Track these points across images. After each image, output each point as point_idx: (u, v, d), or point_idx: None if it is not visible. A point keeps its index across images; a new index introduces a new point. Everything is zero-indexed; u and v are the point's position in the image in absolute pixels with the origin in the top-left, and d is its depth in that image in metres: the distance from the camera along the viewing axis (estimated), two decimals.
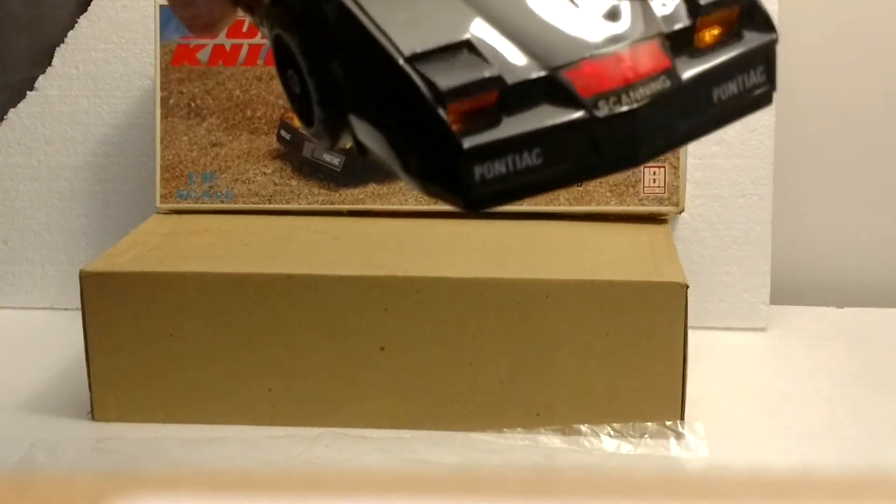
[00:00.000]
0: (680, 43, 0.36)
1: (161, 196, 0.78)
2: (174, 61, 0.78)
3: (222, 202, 0.77)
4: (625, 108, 0.34)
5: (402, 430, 0.64)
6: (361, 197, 0.76)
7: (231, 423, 0.65)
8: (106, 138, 0.84)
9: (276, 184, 0.77)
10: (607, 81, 0.34)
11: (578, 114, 0.34)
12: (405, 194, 0.76)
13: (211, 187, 0.77)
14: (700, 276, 0.79)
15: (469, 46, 0.34)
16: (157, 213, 0.78)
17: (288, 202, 0.77)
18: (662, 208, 0.75)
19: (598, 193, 0.75)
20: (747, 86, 0.37)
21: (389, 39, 0.34)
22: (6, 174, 0.85)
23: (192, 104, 0.78)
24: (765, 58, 0.37)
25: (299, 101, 0.38)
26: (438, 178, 0.34)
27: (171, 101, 0.78)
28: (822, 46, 0.84)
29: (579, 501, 0.26)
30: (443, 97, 0.33)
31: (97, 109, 0.84)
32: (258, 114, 0.78)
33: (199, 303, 0.64)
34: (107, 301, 0.65)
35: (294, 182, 0.77)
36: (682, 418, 0.63)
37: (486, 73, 0.33)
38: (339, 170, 0.77)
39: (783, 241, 0.83)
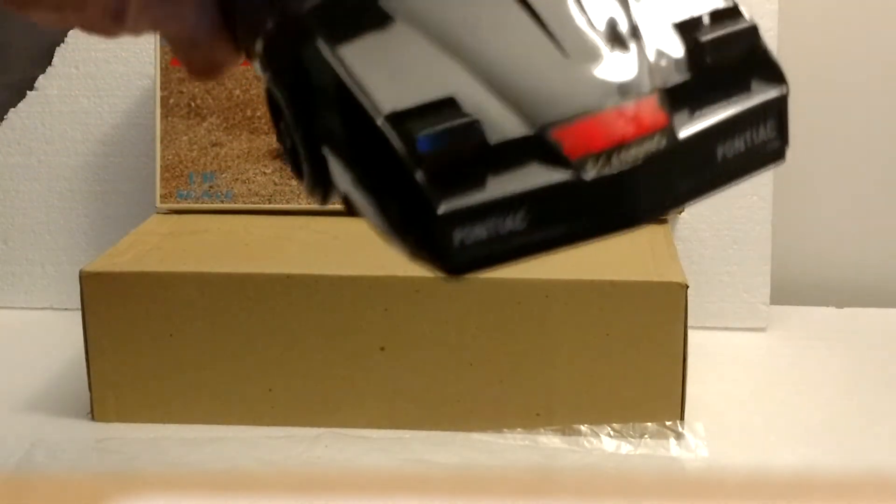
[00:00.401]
0: (681, 96, 0.33)
1: (161, 196, 0.78)
2: (174, 61, 0.78)
3: (222, 202, 0.77)
4: (615, 171, 0.31)
5: (402, 430, 0.64)
6: None
7: (231, 423, 0.65)
8: (106, 138, 0.84)
9: (276, 184, 0.77)
10: (598, 141, 0.32)
11: (565, 176, 0.31)
12: None
13: (211, 187, 0.77)
14: (700, 276, 0.79)
15: (452, 103, 0.32)
16: (157, 213, 0.78)
17: (288, 202, 0.77)
18: None
19: None
20: (756, 142, 0.34)
21: (369, 97, 0.32)
22: (6, 174, 0.85)
23: (192, 104, 0.78)
24: (776, 112, 0.35)
25: (291, 154, 0.37)
26: (419, 242, 0.32)
27: (171, 101, 0.78)
28: (823, 46, 0.84)
29: (579, 501, 0.26)
30: (421, 159, 0.31)
31: (97, 109, 0.84)
32: (258, 113, 0.78)
33: (199, 303, 0.64)
34: (107, 301, 0.65)
35: (294, 182, 0.77)
36: (682, 418, 0.63)
37: (470, 133, 0.31)
38: None
39: (783, 241, 0.83)
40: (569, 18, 0.34)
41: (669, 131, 0.32)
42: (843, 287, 0.86)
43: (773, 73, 0.35)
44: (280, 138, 0.37)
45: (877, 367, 0.73)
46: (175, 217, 0.77)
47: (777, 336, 0.79)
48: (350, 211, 0.35)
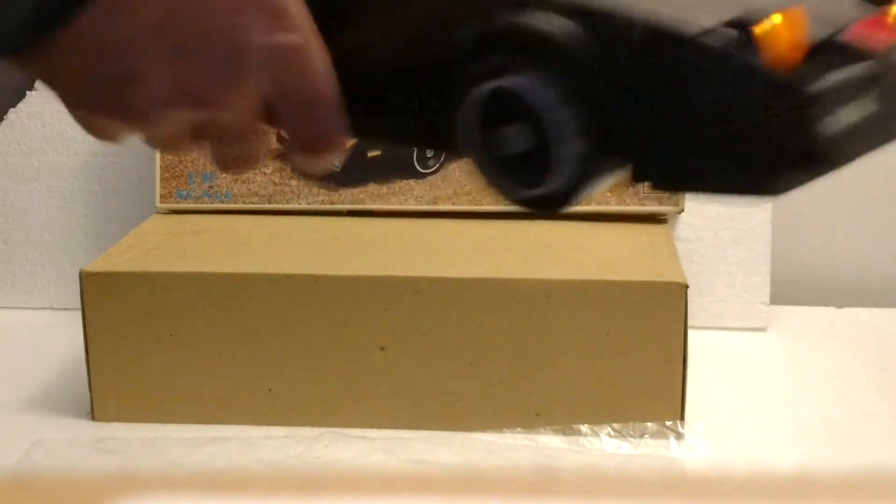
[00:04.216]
0: None
1: (161, 196, 0.78)
2: None
3: (222, 202, 0.77)
4: None
5: (402, 430, 0.64)
6: (361, 197, 0.76)
7: (231, 423, 0.65)
8: None
9: (276, 184, 0.77)
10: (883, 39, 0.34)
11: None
12: (405, 194, 0.76)
13: (211, 187, 0.77)
14: (700, 276, 0.79)
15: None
16: (157, 213, 0.78)
17: (288, 202, 0.77)
18: (662, 208, 0.75)
19: (598, 193, 0.75)
20: None
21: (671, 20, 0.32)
22: (6, 174, 0.85)
23: None
24: None
25: (511, 163, 0.34)
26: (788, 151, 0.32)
27: None
28: None
29: (579, 501, 0.26)
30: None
31: None
32: None
33: (199, 303, 0.64)
34: (107, 301, 0.65)
35: (294, 182, 0.77)
36: (682, 418, 0.63)
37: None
38: (339, 169, 0.77)
39: (783, 241, 0.83)
40: None
41: None
42: (843, 287, 0.86)
43: None
44: (483, 150, 0.35)
45: (877, 367, 0.73)
46: (175, 217, 0.77)
47: (777, 336, 0.79)
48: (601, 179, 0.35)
